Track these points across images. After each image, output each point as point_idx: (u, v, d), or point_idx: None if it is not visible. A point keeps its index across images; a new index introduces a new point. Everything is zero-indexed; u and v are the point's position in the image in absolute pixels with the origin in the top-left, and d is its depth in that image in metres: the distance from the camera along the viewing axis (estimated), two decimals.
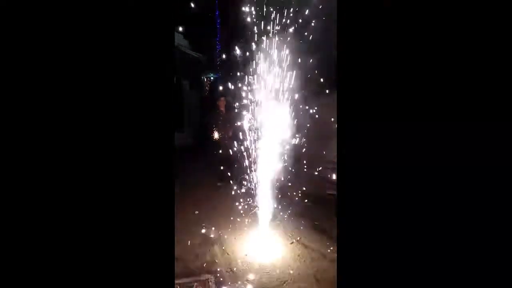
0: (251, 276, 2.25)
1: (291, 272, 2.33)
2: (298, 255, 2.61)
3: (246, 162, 3.50)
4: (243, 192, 3.86)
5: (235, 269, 2.36)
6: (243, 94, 3.38)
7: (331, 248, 2.67)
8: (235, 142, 3.72)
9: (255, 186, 3.36)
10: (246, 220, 3.28)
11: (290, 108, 3.19)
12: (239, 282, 2.18)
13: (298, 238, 2.92)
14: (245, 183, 3.54)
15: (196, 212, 3.41)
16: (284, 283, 2.18)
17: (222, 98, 4.26)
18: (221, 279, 2.20)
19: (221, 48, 8.80)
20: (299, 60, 3.16)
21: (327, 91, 3.72)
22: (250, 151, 3.46)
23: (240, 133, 3.56)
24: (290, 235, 3.00)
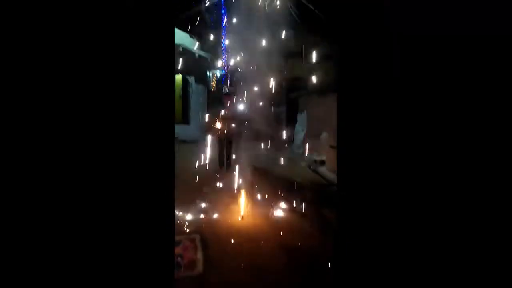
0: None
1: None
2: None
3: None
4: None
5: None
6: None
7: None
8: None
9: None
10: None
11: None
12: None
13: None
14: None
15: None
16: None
17: (228, 95, 4.37)
18: (206, 239, 2.85)
19: (226, 47, 9.15)
20: None
21: None
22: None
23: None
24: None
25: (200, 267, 2.37)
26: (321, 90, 7.36)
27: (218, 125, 3.86)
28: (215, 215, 3.50)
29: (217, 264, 2.42)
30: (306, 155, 7.54)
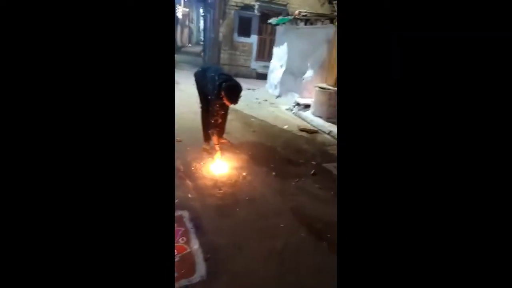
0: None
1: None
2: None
3: None
4: None
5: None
6: None
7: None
8: None
9: None
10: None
11: None
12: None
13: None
14: None
15: None
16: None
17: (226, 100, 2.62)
18: (196, 215, 2.00)
19: None
20: None
21: None
22: None
23: None
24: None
25: (201, 267, 1.55)
26: (306, 17, 6.13)
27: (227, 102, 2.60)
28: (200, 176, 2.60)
29: (225, 260, 1.64)
30: (282, 97, 6.70)
